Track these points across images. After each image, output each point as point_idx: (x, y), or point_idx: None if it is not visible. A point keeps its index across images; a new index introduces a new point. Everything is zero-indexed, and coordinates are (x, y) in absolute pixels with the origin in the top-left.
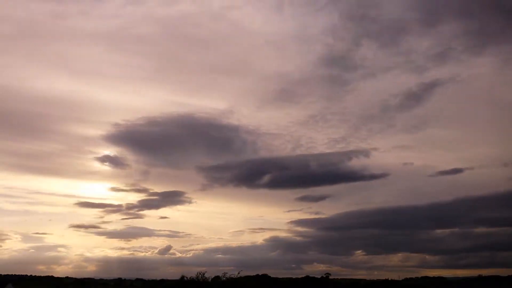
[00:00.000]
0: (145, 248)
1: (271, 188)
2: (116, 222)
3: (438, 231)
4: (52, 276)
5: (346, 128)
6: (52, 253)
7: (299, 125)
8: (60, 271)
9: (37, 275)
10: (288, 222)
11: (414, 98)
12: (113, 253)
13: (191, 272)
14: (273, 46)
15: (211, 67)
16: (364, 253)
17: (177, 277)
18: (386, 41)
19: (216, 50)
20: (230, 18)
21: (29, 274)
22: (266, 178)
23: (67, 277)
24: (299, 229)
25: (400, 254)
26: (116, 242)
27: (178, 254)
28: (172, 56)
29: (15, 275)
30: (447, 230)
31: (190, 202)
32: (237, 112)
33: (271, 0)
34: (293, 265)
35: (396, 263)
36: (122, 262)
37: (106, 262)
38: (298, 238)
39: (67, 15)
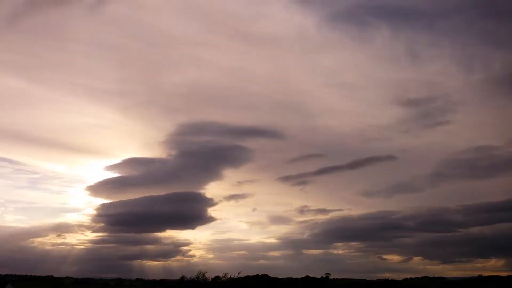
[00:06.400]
0: None
1: None
2: None
3: None
4: (52, 276)
5: None
6: None
7: None
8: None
9: (37, 275)
10: None
11: None
12: None
13: (191, 272)
14: None
15: None
16: None
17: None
18: None
19: None
20: None
21: (29, 274)
22: None
23: (67, 277)
24: None
25: None
26: None
27: None
28: None
29: (15, 275)
30: None
31: None
32: None
33: None
34: None
35: None
36: None
37: None
38: None
39: None
